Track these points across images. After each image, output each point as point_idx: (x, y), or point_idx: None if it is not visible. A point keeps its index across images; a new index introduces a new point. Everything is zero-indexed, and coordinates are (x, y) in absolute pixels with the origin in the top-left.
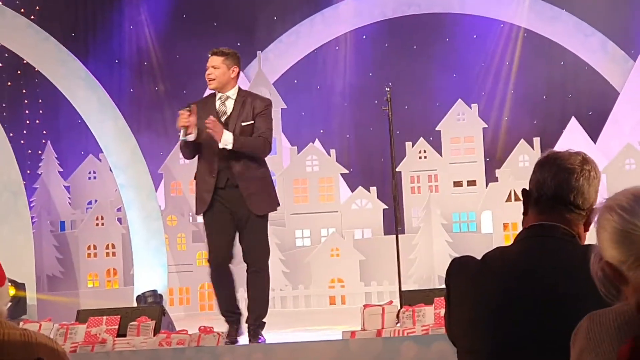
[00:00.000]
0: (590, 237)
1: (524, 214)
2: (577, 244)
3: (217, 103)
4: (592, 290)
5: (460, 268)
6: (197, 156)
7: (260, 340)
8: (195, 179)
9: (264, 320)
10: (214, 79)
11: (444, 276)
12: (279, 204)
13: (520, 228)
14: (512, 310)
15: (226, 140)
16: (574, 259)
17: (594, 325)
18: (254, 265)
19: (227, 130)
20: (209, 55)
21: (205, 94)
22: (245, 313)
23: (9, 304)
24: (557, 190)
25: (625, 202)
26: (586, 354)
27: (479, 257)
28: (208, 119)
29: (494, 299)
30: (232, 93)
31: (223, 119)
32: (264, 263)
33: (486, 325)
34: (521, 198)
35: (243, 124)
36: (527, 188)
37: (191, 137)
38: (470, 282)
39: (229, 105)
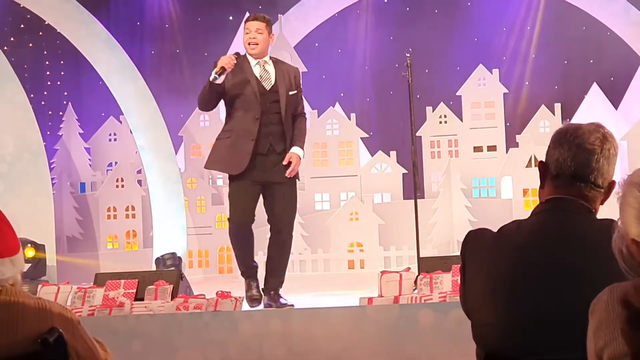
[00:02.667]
0: (603, 211)
1: (540, 187)
2: (594, 218)
3: (257, 68)
4: (608, 265)
5: (475, 240)
6: (226, 117)
7: (281, 301)
8: (221, 137)
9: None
10: (257, 44)
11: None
12: None
13: None
14: (527, 283)
15: (302, 156)
16: (591, 233)
17: (614, 299)
18: (282, 229)
19: (276, 96)
20: (250, 20)
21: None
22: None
23: (28, 265)
24: (577, 171)
25: None
26: (605, 326)
27: (496, 228)
28: (291, 171)
29: (509, 272)
30: (268, 59)
31: (267, 84)
32: (291, 227)
33: (501, 298)
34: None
35: (290, 93)
36: (544, 160)
37: (220, 80)
38: (486, 255)
39: (271, 72)
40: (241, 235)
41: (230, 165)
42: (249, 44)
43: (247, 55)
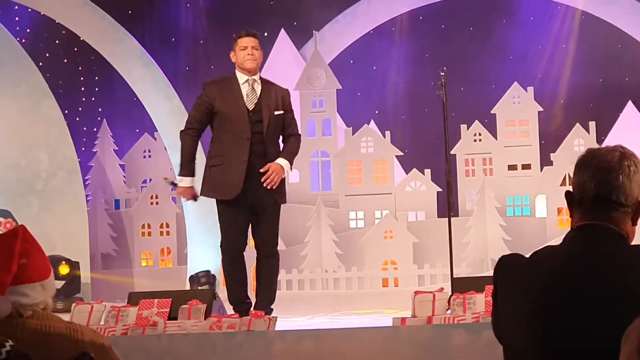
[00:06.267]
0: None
1: (570, 215)
2: (626, 244)
3: (245, 87)
4: None
5: (507, 266)
6: (214, 139)
7: None
8: (214, 164)
9: (272, 307)
10: (255, 60)
11: (497, 259)
12: None
13: None
14: (559, 310)
15: (286, 168)
16: (623, 259)
17: None
18: (269, 252)
19: (259, 115)
20: (243, 36)
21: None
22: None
23: (63, 282)
24: (598, 191)
25: None
26: (637, 354)
27: (530, 247)
28: (266, 178)
29: (541, 299)
30: (257, 77)
31: (251, 105)
32: (276, 249)
33: (532, 325)
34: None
35: (275, 113)
36: (570, 190)
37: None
38: (518, 281)
39: (258, 90)
40: (234, 264)
41: (225, 191)
42: (248, 60)
43: (237, 73)
